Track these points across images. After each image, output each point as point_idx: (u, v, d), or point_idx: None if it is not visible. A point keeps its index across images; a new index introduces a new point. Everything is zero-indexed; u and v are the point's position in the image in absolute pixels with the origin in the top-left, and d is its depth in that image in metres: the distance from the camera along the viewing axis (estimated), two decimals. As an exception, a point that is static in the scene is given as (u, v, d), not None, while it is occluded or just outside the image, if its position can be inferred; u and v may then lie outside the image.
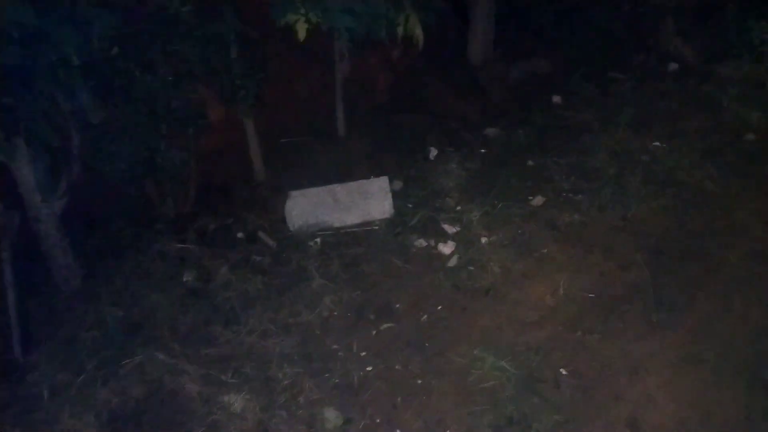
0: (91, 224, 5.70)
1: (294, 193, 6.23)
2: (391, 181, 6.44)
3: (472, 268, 5.36)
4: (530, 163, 6.57)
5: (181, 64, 5.65)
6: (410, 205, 6.18)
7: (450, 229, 5.85)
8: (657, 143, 6.66)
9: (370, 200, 6.18)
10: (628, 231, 5.60)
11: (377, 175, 6.55)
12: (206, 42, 5.58)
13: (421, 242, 5.72)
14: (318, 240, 5.86)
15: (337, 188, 6.27)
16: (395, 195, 6.26)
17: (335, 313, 5.01)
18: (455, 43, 8.19)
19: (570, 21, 8.27)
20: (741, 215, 5.65)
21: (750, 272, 4.95)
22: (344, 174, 6.58)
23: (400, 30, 5.57)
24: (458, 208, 6.10)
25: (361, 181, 6.35)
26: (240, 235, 6.03)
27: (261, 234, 6.01)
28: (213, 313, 5.06)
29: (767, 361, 4.28)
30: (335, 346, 4.71)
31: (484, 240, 5.65)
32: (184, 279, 5.43)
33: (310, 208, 6.12)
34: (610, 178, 6.20)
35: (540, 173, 6.40)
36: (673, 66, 7.99)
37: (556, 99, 7.56)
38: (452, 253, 5.55)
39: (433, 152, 6.91)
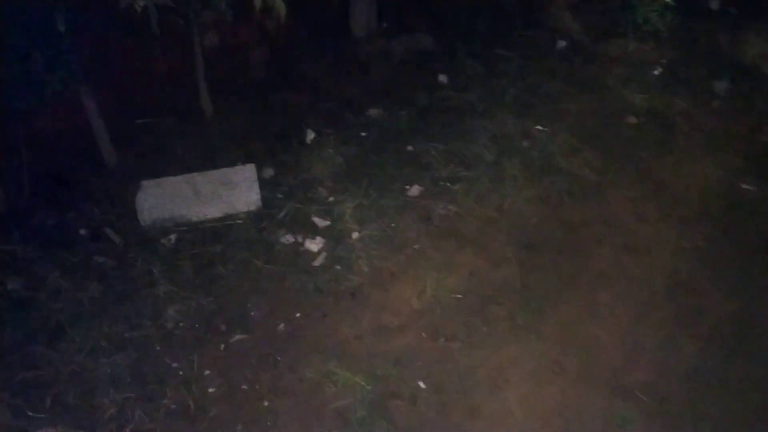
0: None
1: (147, 183, 5.57)
2: (260, 168, 5.90)
3: (339, 267, 4.97)
4: (410, 148, 6.19)
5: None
6: (280, 196, 5.67)
7: (320, 222, 5.41)
8: (539, 127, 6.46)
9: (234, 191, 5.61)
10: (503, 223, 5.37)
11: (245, 162, 5.99)
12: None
13: (288, 238, 5.25)
14: (172, 237, 5.26)
15: (197, 177, 5.66)
16: (264, 184, 5.73)
17: (181, 324, 4.49)
18: (339, 13, 7.61)
19: (458, -2, 7.88)
20: (616, 206, 5.55)
21: (618, 268, 4.85)
22: (208, 160, 5.97)
23: (257, 1, 4.96)
24: (331, 199, 5.65)
25: (225, 169, 5.76)
26: (82, 231, 5.33)
27: (107, 230, 5.33)
28: (37, 329, 4.40)
29: (630, 367, 4.18)
30: (175, 364, 4.20)
31: (355, 235, 5.25)
32: (9, 287, 4.71)
33: (165, 200, 5.49)
34: (489, 165, 5.94)
35: (419, 160, 6.05)
36: (562, 44, 7.79)
37: (442, 78, 7.18)
38: (320, 251, 5.13)
39: (310, 135, 6.38)
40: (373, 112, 6.72)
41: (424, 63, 7.30)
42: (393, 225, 5.36)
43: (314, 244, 5.18)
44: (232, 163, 5.94)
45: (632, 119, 6.56)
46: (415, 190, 5.72)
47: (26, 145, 5.46)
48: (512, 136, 6.33)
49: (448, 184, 5.78)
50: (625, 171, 5.88)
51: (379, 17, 7.54)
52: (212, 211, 5.50)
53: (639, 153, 6.12)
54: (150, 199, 5.47)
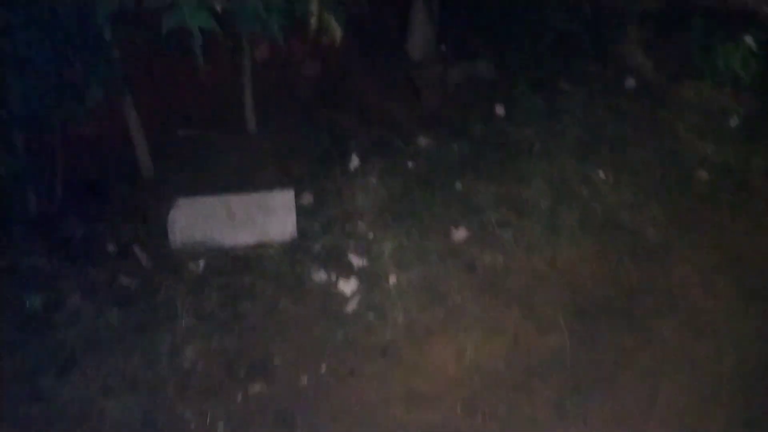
0: None
1: (181, 201, 5.31)
2: (300, 193, 5.59)
3: (372, 316, 4.61)
4: (459, 185, 5.78)
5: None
6: (317, 227, 5.35)
7: (357, 261, 5.06)
8: (601, 174, 5.97)
9: (270, 217, 5.31)
10: (555, 281, 4.92)
11: (286, 184, 5.69)
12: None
13: (321, 276, 4.92)
14: (201, 262, 4.98)
15: (233, 199, 5.37)
16: (302, 211, 5.42)
17: (199, 366, 4.20)
18: (397, 34, 7.26)
19: (522, 20, 7.41)
20: (681, 274, 5.04)
21: (682, 351, 4.36)
22: (246, 180, 5.69)
23: (313, 21, 4.64)
24: (370, 235, 5.29)
25: (262, 193, 5.46)
26: (111, 247, 5.10)
27: (136, 248, 5.09)
28: (49, 356, 4.16)
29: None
30: (188, 414, 3.91)
31: (392, 280, 4.88)
32: (27, 305, 4.49)
33: (198, 221, 5.22)
34: (543, 212, 5.49)
35: (468, 199, 5.64)
36: (631, 82, 7.26)
37: (499, 109, 6.75)
38: (353, 294, 4.78)
39: (355, 161, 6.04)
40: (423, 140, 6.34)
41: (482, 92, 6.88)
42: (434, 271, 4.97)
43: (348, 286, 4.83)
44: (270, 185, 5.65)
45: (704, 175, 6.01)
46: (460, 234, 5.31)
47: (62, 151, 5.27)
48: (571, 181, 5.86)
49: (497, 230, 5.36)
50: (694, 234, 5.36)
51: (439, 40, 7.17)
52: (245, 237, 5.21)
53: (710, 215, 5.58)
54: (183, 218, 5.21)
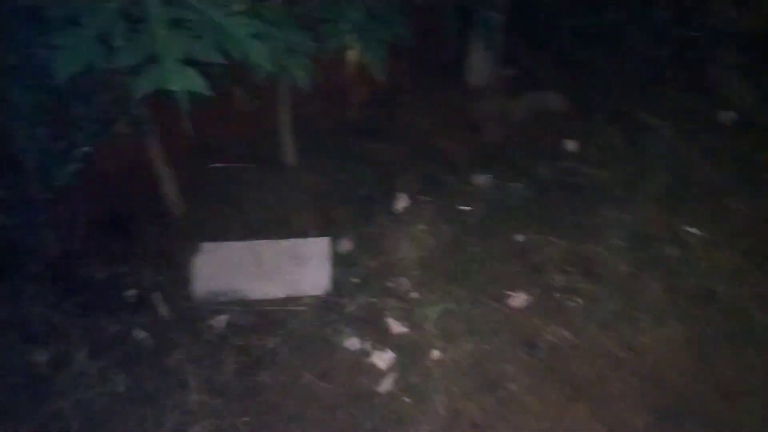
0: None
1: (207, 246, 4.81)
2: (337, 239, 4.99)
3: (408, 400, 3.91)
4: (520, 238, 5.02)
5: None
6: (354, 281, 4.71)
7: (396, 327, 4.38)
8: (692, 229, 5.07)
9: (301, 268, 4.73)
10: (633, 369, 4.08)
11: (322, 226, 5.12)
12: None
13: (353, 343, 4.27)
14: (223, 319, 4.44)
15: (263, 246, 4.83)
16: (338, 261, 4.81)
17: (204, 453, 3.64)
18: (455, 56, 6.56)
19: (600, 42, 6.57)
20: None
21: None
22: (280, 220, 5.14)
23: (352, 56, 4.02)
24: (413, 294, 4.61)
25: (295, 239, 4.90)
26: (131, 293, 4.64)
27: (156, 297, 4.61)
28: (41, 426, 3.70)
29: None
30: None
31: (435, 354, 4.18)
32: (31, 360, 4.07)
33: (224, 269, 4.70)
34: (621, 278, 4.65)
35: (529, 256, 4.87)
36: (728, 115, 6.30)
37: (570, 145, 5.94)
38: (388, 370, 4.10)
39: (402, 201, 5.38)
40: (480, 180, 5.61)
41: (550, 125, 6.09)
42: (485, 347, 4.23)
43: (383, 359, 4.16)
44: (305, 228, 5.09)
45: (820, 234, 5.01)
46: (519, 300, 4.55)
47: (84, 186, 4.86)
48: (655, 238, 4.99)
49: (565, 297, 4.56)
50: (810, 315, 4.40)
51: (502, 65, 6.41)
52: (273, 289, 4.65)
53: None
54: (207, 265, 4.70)
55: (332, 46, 3.71)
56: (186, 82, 2.64)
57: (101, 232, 4.96)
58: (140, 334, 4.31)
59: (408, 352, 4.21)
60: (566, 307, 4.48)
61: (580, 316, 4.40)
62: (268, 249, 4.80)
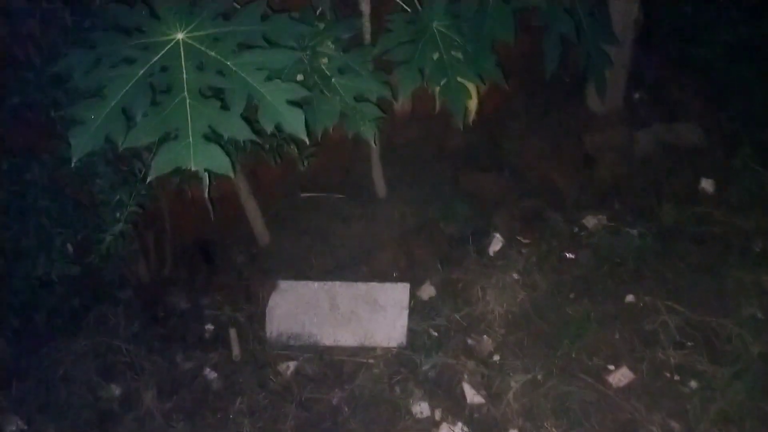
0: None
1: (283, 285, 4.68)
2: (420, 283, 4.64)
3: (473, 491, 3.48)
4: (630, 298, 4.32)
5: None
6: (433, 334, 4.33)
7: (471, 395, 3.94)
8: None
9: (377, 315, 4.45)
10: (758, 485, 3.31)
11: (405, 268, 4.79)
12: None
13: (422, 409, 3.91)
14: (291, 365, 4.28)
15: (339, 288, 4.60)
16: (418, 309, 4.46)
17: None
18: (574, 76, 5.84)
19: (758, 61, 5.51)
20: None
21: None
22: (361, 258, 4.86)
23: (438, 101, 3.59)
24: (496, 357, 4.14)
25: (373, 284, 4.61)
26: (209, 326, 4.64)
27: (231, 333, 4.56)
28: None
29: None
30: None
31: (512, 435, 3.69)
32: (104, 396, 4.17)
33: (298, 309, 4.55)
34: (753, 361, 3.82)
35: (641, 323, 4.16)
36: None
37: (706, 185, 5.04)
38: (456, 448, 3.69)
39: (497, 242, 4.88)
40: (591, 222, 4.93)
41: (683, 161, 5.20)
42: (574, 433, 3.66)
43: (453, 433, 3.76)
44: (387, 269, 4.78)
45: None
46: (621, 377, 3.90)
47: (172, 213, 4.93)
48: (803, 311, 4.06)
49: (677, 379, 3.84)
50: None
51: (632, 88, 5.58)
52: (346, 336, 4.40)
53: None
54: (282, 305, 4.57)
55: (406, 92, 3.31)
56: (209, 161, 2.41)
57: (191, 260, 5.02)
58: (211, 375, 4.27)
59: (482, 428, 3.76)
60: (678, 392, 3.76)
61: (696, 405, 3.67)
62: (343, 291, 4.56)
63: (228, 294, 4.78)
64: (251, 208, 4.96)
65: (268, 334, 4.49)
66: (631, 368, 3.90)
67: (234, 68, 2.49)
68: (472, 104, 3.98)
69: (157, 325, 4.60)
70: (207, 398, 4.11)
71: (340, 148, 5.54)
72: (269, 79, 2.51)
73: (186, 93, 2.38)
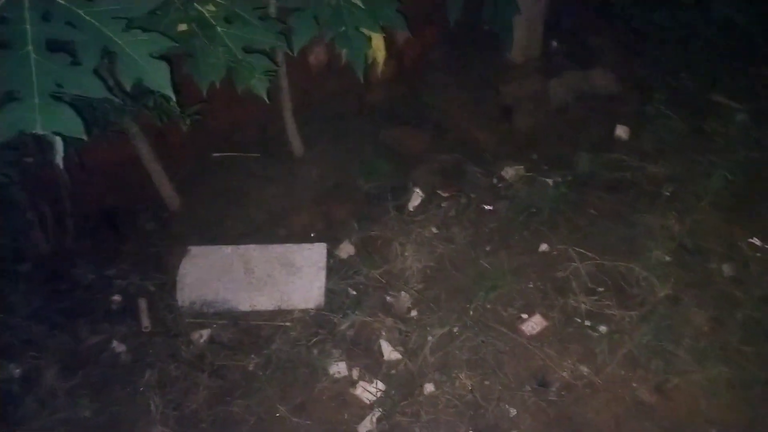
0: None
1: (194, 251, 4.48)
2: (338, 243, 4.53)
3: (389, 447, 3.48)
4: (544, 247, 4.36)
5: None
6: (352, 293, 4.26)
7: (389, 352, 3.92)
8: (754, 240, 4.24)
9: (294, 277, 4.32)
10: (660, 420, 3.44)
11: (323, 228, 4.67)
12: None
13: (340, 369, 3.85)
14: (204, 333, 4.12)
15: (254, 252, 4.44)
16: (337, 269, 4.36)
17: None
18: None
19: (670, 8, 5.55)
20: None
21: None
22: (277, 219, 4.72)
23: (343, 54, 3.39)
24: (413, 313, 4.11)
25: (288, 245, 4.47)
26: (116, 298, 4.41)
27: (141, 303, 4.36)
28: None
29: None
30: None
31: (429, 389, 3.69)
32: (3, 376, 3.91)
33: (211, 275, 4.36)
34: (660, 303, 3.93)
35: (553, 271, 4.21)
36: (824, 94, 5.21)
37: (620, 132, 5.10)
38: (372, 406, 3.66)
39: (416, 197, 4.81)
40: (510, 173, 4.91)
41: (598, 108, 5.23)
42: (488, 383, 3.69)
43: (369, 391, 3.73)
44: (305, 229, 4.65)
45: None
46: (534, 325, 3.94)
47: (70, 180, 4.60)
48: (708, 252, 4.20)
49: (588, 325, 3.92)
50: None
51: (550, 37, 5.53)
52: (263, 300, 4.27)
53: None
54: (193, 272, 4.38)
55: (301, 42, 3.10)
56: (58, 123, 2.16)
57: (95, 229, 4.73)
58: (119, 348, 4.07)
59: (398, 383, 3.75)
60: (588, 337, 3.84)
61: (604, 348, 3.76)
62: (258, 255, 4.41)
63: (136, 263, 4.54)
64: (156, 171, 4.68)
65: (179, 303, 4.29)
66: (543, 316, 3.95)
67: (87, 17, 2.22)
68: (380, 56, 3.81)
69: (59, 299, 4.32)
70: (115, 372, 3.92)
71: (255, 104, 5.30)
72: (128, 28, 2.26)
73: (30, 47, 2.11)
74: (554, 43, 5.59)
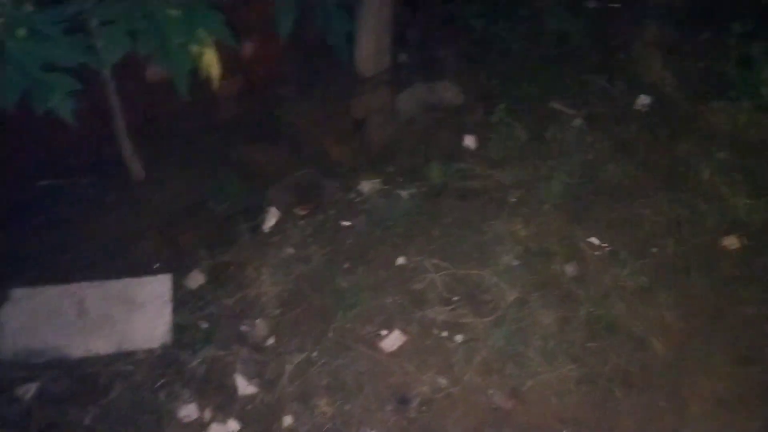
0: None
1: (17, 293, 3.97)
2: (187, 272, 4.21)
3: (245, 488, 3.25)
4: (401, 261, 4.33)
5: None
6: (203, 326, 3.97)
7: (244, 386, 3.68)
8: (594, 240, 4.48)
9: (135, 314, 3.96)
10: (516, 423, 3.51)
11: (169, 257, 4.32)
12: None
13: (189, 412, 3.56)
14: (32, 387, 3.64)
15: (88, 290, 4.02)
16: (185, 300, 4.05)
17: None
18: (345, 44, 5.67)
19: (510, 21, 5.80)
20: (695, 407, 3.60)
21: None
22: (114, 252, 4.29)
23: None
24: (270, 341, 3.91)
25: (128, 279, 4.09)
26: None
27: (-45, 360, 3.77)
28: None
29: None
30: None
31: (287, 421, 3.51)
32: None
33: (38, 321, 3.89)
34: (510, 307, 4.04)
35: (411, 284, 4.19)
36: (644, 100, 5.62)
37: (468, 141, 5.21)
38: (227, 446, 3.42)
39: (272, 217, 4.61)
40: (366, 186, 4.85)
41: (445, 118, 5.32)
42: (348, 407, 3.57)
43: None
44: (148, 260, 4.28)
45: (733, 242, 4.47)
46: (393, 341, 3.89)
47: None
48: (552, 254, 4.38)
49: (445, 335, 3.93)
50: (718, 345, 3.88)
51: (399, 50, 5.54)
52: (100, 344, 3.85)
53: (742, 308, 4.08)
54: (18, 317, 3.88)
55: (112, 58, 2.81)
56: None
57: None
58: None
59: (255, 419, 3.54)
60: (445, 348, 3.85)
61: (460, 358, 3.79)
62: (92, 293, 4.00)
63: (-53, 313, 3.95)
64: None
65: (1, 356, 3.78)
66: (402, 331, 3.91)
67: None
68: (214, 71, 3.59)
69: None
70: None
71: (86, 124, 4.83)
72: None
73: None
74: (403, 56, 5.63)
